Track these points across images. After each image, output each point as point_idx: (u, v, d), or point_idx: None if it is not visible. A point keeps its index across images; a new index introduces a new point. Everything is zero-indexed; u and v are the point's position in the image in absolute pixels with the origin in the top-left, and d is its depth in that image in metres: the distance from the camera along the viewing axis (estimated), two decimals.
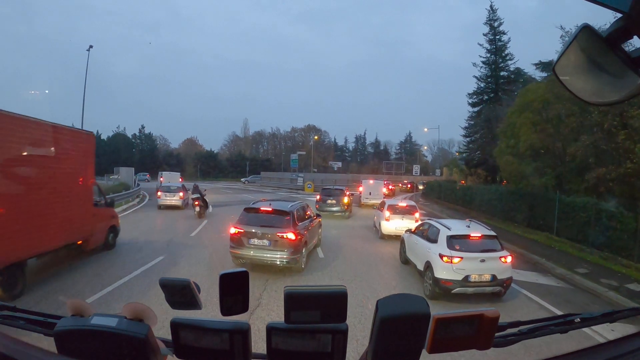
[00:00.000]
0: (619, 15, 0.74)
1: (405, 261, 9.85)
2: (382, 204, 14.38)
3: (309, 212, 10.35)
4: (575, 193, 15.49)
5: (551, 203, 15.40)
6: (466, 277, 7.28)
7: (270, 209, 8.69)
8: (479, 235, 7.95)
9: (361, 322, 5.59)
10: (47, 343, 0.99)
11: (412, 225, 13.24)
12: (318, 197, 19.02)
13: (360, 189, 24.13)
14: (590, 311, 1.40)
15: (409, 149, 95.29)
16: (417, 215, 13.51)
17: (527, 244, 14.02)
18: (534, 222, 16.60)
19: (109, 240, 10.19)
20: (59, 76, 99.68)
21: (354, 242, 12.65)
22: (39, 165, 7.29)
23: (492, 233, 8.10)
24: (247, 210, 8.89)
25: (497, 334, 1.03)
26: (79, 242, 8.79)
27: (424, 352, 0.93)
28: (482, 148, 31.83)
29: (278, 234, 8.17)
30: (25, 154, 6.90)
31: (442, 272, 7.37)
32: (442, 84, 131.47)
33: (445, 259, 7.37)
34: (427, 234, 8.67)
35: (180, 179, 30.15)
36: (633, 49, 0.77)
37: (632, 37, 0.75)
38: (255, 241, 8.21)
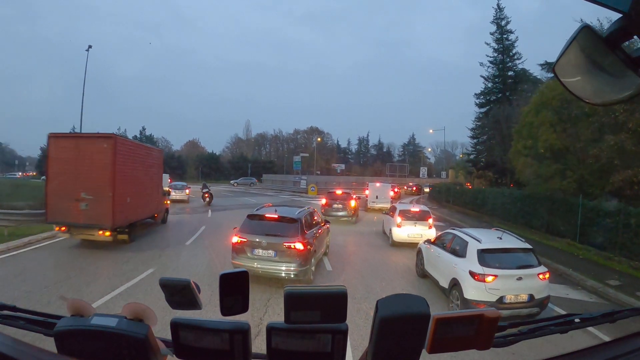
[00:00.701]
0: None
1: (423, 275, 8.87)
2: (393, 209, 13.39)
3: (316, 218, 9.46)
4: (598, 197, 14.50)
5: (573, 208, 14.43)
6: (501, 299, 6.30)
7: (276, 216, 7.85)
8: (514, 248, 6.99)
9: None
10: (47, 343, 0.98)
11: (426, 232, 12.33)
12: (324, 201, 18.02)
13: (367, 192, 23.04)
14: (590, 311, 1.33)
15: (412, 151, 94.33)
16: (430, 221, 12.51)
17: (549, 251, 12.99)
18: (553, 227, 15.60)
19: (165, 218, 15.62)
20: (61, 77, 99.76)
21: (363, 251, 11.67)
22: (145, 171, 12.52)
23: (528, 246, 7.13)
24: (251, 217, 8.03)
25: (497, 334, 1.01)
26: (155, 216, 14.03)
27: (424, 352, 0.90)
28: (491, 149, 30.77)
29: (285, 243, 7.33)
30: (140, 165, 12.12)
31: (472, 292, 6.38)
32: (445, 85, 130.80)
33: (476, 277, 6.38)
34: (451, 246, 7.69)
35: (169, 180, 32.89)
36: (633, 49, 0.76)
37: (632, 37, 0.74)
38: (260, 251, 7.38)
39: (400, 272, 9.44)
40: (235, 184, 53.93)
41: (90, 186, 10.02)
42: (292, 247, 7.28)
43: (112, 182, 10.06)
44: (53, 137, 10.63)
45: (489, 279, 6.33)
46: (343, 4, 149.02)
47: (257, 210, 8.46)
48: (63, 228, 10.40)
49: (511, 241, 7.22)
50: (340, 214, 17.21)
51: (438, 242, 8.58)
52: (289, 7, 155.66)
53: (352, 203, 17.44)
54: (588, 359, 1.13)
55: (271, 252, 7.33)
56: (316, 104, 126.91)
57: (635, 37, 0.74)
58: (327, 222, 10.13)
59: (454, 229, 8.53)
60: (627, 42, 0.76)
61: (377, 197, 22.47)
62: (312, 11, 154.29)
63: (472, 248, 6.90)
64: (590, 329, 5.56)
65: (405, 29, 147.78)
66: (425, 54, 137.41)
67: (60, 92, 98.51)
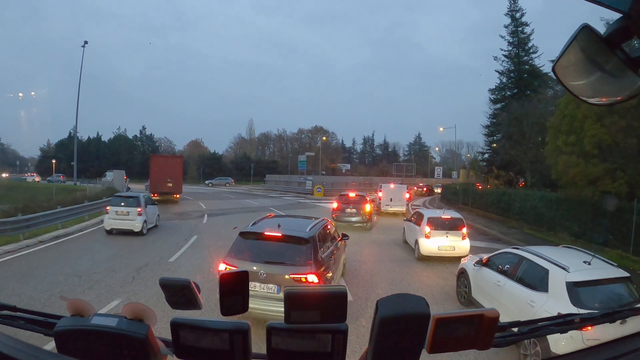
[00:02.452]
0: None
1: (469, 302, 6.87)
2: (419, 216, 11.32)
3: (332, 231, 7.24)
4: None
5: (623, 214, 12.36)
6: None
7: (279, 234, 5.60)
8: (610, 279, 5.04)
9: None
10: (47, 343, 0.99)
11: (459, 243, 10.27)
12: (335, 204, 15.91)
13: (380, 194, 20.91)
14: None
15: (418, 151, 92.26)
16: (464, 230, 10.43)
17: None
18: (598, 236, 13.50)
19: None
20: (64, 78, 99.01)
21: (387, 268, 9.62)
22: (174, 171, 25.17)
23: (625, 274, 5.18)
24: (244, 235, 5.80)
25: (497, 334, 1.00)
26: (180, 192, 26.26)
27: (424, 352, 0.89)
28: (512, 147, 28.59)
29: (293, 275, 5.22)
30: (175, 169, 25.78)
31: (563, 343, 4.36)
32: (450, 84, 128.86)
33: None
34: (519, 272, 5.68)
35: (125, 177, 36.52)
36: (633, 49, 0.75)
37: (632, 37, 0.74)
38: (257, 286, 5.15)
39: (438, 299, 7.38)
40: (210, 185, 52.13)
41: (172, 177, 24.36)
42: (304, 280, 5.16)
43: (181, 176, 25.77)
44: (153, 156, 29.97)
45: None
46: (346, 5, 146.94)
47: (253, 224, 6.27)
48: (156, 195, 22.03)
49: (603, 268, 5.21)
50: (354, 219, 15.08)
51: (492, 263, 6.60)
52: (293, 8, 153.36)
53: (367, 207, 15.31)
54: (588, 359, 1.12)
55: (273, 288, 5.14)
56: (320, 104, 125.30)
57: (635, 37, 0.74)
58: (344, 236, 7.98)
59: (517, 248, 6.49)
60: (627, 42, 0.76)
61: (391, 200, 20.35)
62: (314, 11, 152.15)
63: (558, 279, 4.88)
64: None
65: (408, 29, 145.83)
66: (428, 53, 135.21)
67: (64, 92, 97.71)
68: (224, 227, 14.67)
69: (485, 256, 7.59)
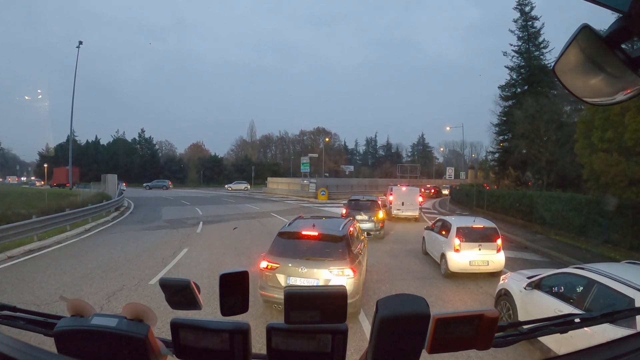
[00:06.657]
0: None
1: None
2: (444, 224, 9.79)
3: (357, 227, 7.80)
4: None
5: None
6: None
7: (315, 233, 6.20)
8: None
9: None
10: (47, 343, 0.96)
11: (493, 257, 8.72)
12: (344, 210, 14.38)
13: (391, 197, 19.35)
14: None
15: (422, 152, 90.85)
16: (499, 242, 8.91)
17: None
18: None
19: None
20: (64, 82, 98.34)
21: (410, 289, 8.09)
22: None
23: None
24: (283, 235, 6.33)
25: (497, 334, 0.99)
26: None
27: (424, 352, 0.88)
28: (527, 146, 27.09)
29: (331, 269, 5.78)
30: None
31: None
32: (450, 84, 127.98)
33: None
34: (587, 299, 4.50)
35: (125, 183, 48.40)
36: (633, 49, 0.75)
37: (632, 38, 0.74)
38: (298, 281, 5.70)
39: None
40: (147, 187, 52.07)
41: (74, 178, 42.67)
42: (341, 273, 5.69)
43: (78, 177, 49.26)
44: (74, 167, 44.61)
45: None
46: (344, 5, 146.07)
47: (289, 225, 6.80)
48: (69, 184, 41.19)
49: None
50: (366, 226, 13.45)
51: (546, 286, 5.32)
52: (292, 9, 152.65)
53: (380, 214, 13.74)
54: (588, 359, 1.11)
55: (313, 282, 5.64)
56: (322, 105, 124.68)
57: (635, 37, 0.74)
58: (368, 234, 7.72)
59: (581, 268, 5.02)
60: (627, 42, 0.75)
61: (402, 204, 18.80)
62: (313, 12, 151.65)
63: None
64: None
65: (407, 29, 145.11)
66: (428, 53, 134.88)
67: (64, 97, 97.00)
68: (220, 237, 13.19)
69: (529, 273, 6.27)
